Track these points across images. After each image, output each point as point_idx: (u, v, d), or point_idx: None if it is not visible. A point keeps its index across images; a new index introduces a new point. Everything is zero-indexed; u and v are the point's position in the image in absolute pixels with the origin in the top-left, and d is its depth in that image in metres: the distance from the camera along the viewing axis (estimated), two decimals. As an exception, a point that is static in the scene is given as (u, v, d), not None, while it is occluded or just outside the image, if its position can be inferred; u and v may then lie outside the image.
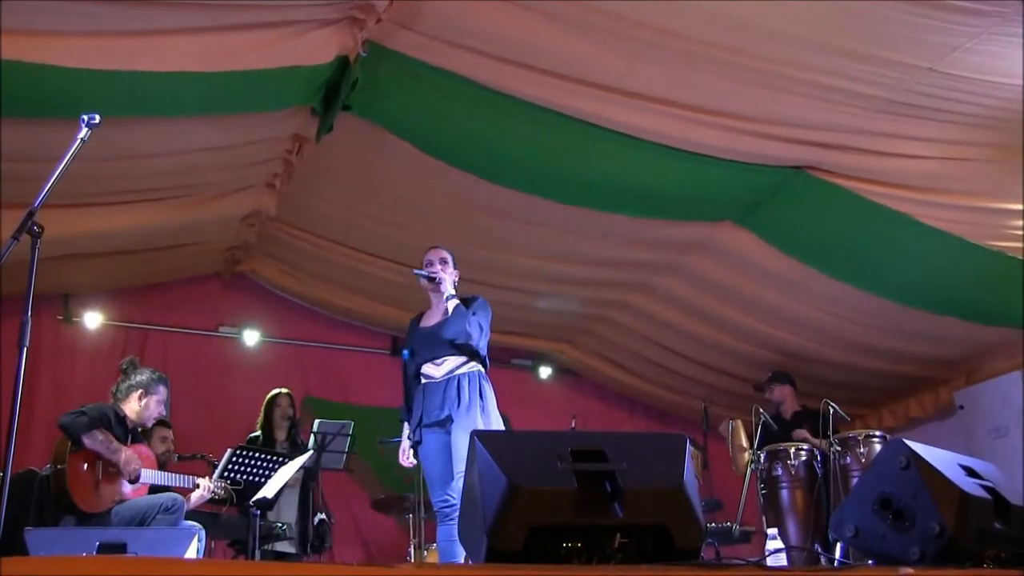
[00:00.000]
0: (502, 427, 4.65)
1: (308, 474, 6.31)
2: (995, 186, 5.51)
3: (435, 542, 6.62)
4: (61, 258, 6.19)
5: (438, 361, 4.70)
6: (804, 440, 6.11)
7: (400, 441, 4.88)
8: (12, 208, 4.12)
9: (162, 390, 5.13)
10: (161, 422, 5.75)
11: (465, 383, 4.62)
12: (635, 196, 6.13)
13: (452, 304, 4.70)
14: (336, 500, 7.10)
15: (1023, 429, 6.93)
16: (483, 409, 4.59)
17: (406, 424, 4.83)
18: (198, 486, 5.19)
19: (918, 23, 4.29)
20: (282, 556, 6.15)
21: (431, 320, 4.87)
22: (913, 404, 8.27)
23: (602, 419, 9.05)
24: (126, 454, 4.80)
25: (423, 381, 4.73)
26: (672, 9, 4.42)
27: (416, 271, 4.86)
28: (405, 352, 4.91)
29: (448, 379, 4.64)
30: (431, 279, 4.78)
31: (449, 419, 4.55)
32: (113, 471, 4.80)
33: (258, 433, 6.51)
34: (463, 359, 4.69)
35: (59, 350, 7.44)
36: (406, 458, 4.82)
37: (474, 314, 4.70)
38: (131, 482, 4.82)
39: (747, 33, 4.53)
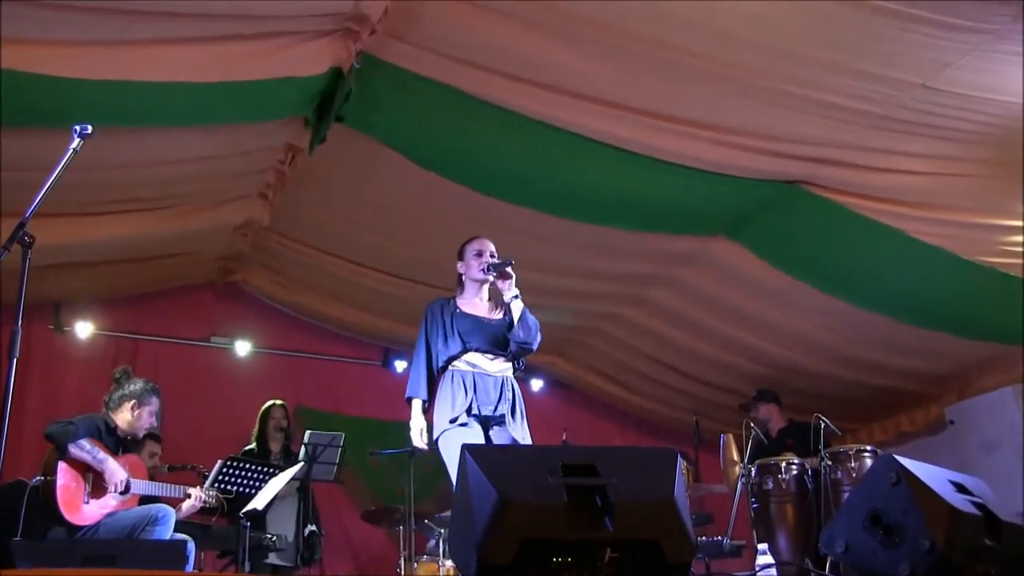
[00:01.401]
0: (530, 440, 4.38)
1: (300, 485, 6.29)
2: (988, 202, 5.54)
3: (424, 554, 6.63)
4: (53, 267, 6.17)
5: (491, 356, 4.37)
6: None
7: (396, 451, 4.69)
8: (9, 217, 4.10)
9: (155, 401, 5.10)
10: (151, 436, 5.72)
11: (517, 388, 4.40)
12: (629, 209, 6.14)
13: (519, 306, 4.37)
14: (326, 511, 7.07)
15: (1023, 444, 6.92)
16: (526, 419, 4.39)
17: (419, 403, 4.37)
18: (189, 496, 5.17)
19: (911, 39, 4.32)
20: (279, 569, 6.12)
21: (478, 311, 4.48)
22: (904, 419, 8.29)
23: (593, 432, 9.03)
24: (112, 465, 4.76)
25: (471, 369, 4.33)
26: (666, 22, 4.43)
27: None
28: (438, 330, 4.41)
29: (503, 378, 4.36)
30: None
31: (502, 419, 4.27)
32: (102, 483, 4.77)
33: (253, 445, 6.50)
34: (510, 363, 4.42)
35: (49, 359, 7.41)
36: (423, 440, 4.33)
37: None
38: (121, 493, 4.79)
39: (742, 48, 4.55)
